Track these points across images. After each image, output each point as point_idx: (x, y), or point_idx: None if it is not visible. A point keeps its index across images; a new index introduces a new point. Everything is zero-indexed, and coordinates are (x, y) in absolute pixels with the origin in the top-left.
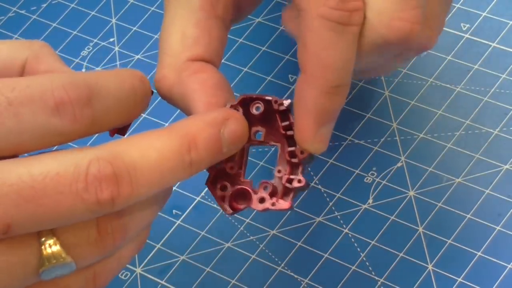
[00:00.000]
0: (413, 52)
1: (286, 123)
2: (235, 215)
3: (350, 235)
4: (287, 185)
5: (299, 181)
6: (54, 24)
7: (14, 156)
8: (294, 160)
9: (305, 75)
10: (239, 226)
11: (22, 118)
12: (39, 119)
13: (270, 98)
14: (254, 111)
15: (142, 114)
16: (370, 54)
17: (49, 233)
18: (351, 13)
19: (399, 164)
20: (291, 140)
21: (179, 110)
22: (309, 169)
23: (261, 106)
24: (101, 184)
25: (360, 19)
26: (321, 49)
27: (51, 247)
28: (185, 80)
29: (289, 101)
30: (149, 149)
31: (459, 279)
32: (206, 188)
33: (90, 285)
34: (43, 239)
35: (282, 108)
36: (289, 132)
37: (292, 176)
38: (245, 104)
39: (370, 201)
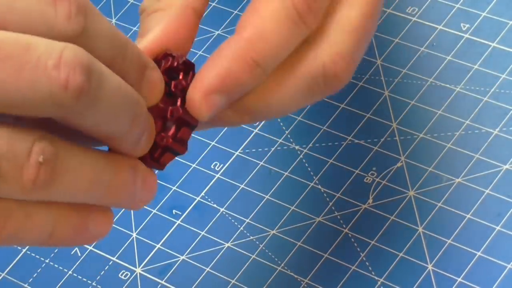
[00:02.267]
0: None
1: (178, 80)
2: (236, 215)
3: (350, 235)
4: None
5: (163, 138)
6: None
7: None
8: (171, 117)
9: (237, 34)
10: (239, 226)
11: None
12: (33, 3)
13: (175, 55)
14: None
15: None
16: (300, 88)
17: None
18: (311, 13)
19: (399, 164)
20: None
21: None
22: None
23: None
24: (75, 69)
25: (313, 25)
26: (269, 22)
27: None
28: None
29: (184, 58)
30: (115, 76)
31: (459, 279)
32: (206, 188)
33: None
34: None
35: (179, 64)
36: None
37: (163, 134)
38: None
39: (370, 201)
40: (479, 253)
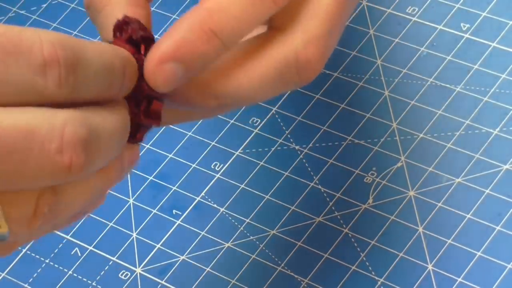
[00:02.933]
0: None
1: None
2: (236, 215)
3: (350, 235)
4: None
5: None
6: (54, 24)
7: None
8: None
9: (197, 5)
10: (239, 226)
11: (8, 68)
12: (24, 72)
13: (133, 24)
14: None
15: None
16: (267, 75)
17: None
18: None
19: (399, 164)
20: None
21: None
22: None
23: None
24: (76, 150)
25: (280, 3)
26: None
27: None
28: None
29: (142, 33)
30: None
31: (459, 279)
32: (206, 188)
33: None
34: None
35: (136, 36)
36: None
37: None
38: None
39: (370, 201)
40: (479, 253)
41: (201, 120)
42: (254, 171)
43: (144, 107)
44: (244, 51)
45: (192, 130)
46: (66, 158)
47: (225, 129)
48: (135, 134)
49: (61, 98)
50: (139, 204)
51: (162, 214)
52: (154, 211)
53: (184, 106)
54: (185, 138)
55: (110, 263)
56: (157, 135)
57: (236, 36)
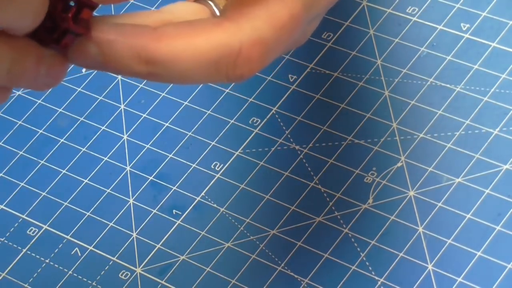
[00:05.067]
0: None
1: None
2: (236, 215)
3: (350, 235)
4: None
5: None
6: None
7: None
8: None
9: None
10: (239, 226)
11: None
12: None
13: None
14: None
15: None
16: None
17: None
18: None
19: (399, 164)
20: None
21: (179, 110)
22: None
23: None
24: None
25: None
26: None
27: None
28: None
29: None
30: None
31: (459, 279)
32: (206, 188)
33: None
34: None
35: None
36: None
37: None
38: None
39: (370, 201)
40: (479, 253)
41: (201, 120)
42: (254, 171)
43: (73, 13)
44: (190, 25)
45: (192, 130)
46: None
47: (225, 129)
48: (59, 39)
49: None
50: (139, 204)
51: (162, 214)
52: (154, 211)
53: (109, 69)
54: (185, 138)
55: (110, 263)
56: (157, 135)
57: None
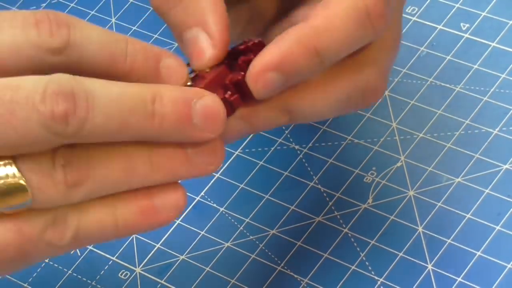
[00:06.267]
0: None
1: (246, 56)
2: (236, 215)
3: (349, 235)
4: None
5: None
6: None
7: None
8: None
9: (304, 22)
10: (239, 226)
11: (1, 30)
12: (17, 31)
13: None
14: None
15: None
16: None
17: (7, 158)
18: (382, 18)
19: (398, 164)
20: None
21: None
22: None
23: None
24: (58, 99)
25: (381, 31)
26: (338, 18)
27: (6, 167)
28: None
29: (260, 39)
30: (113, 85)
31: (459, 279)
32: (206, 188)
33: (50, 232)
34: (0, 161)
35: (252, 42)
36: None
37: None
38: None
39: (370, 200)
40: (479, 253)
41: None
42: (254, 171)
43: (225, 96)
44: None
45: None
46: (48, 106)
47: None
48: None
49: (57, 48)
50: None
51: None
52: None
53: (253, 120)
54: None
55: (109, 263)
56: None
57: (335, 57)
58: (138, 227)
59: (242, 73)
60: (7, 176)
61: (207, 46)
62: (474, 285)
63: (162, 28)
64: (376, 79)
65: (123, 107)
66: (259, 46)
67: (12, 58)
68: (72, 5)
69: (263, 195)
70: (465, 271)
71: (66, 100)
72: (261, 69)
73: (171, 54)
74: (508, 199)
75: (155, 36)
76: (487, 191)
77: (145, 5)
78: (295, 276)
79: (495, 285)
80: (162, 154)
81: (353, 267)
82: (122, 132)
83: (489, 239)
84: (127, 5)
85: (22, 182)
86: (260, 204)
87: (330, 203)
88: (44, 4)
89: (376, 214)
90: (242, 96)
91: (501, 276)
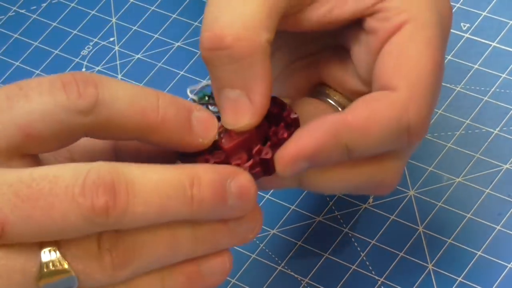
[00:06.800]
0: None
1: (277, 130)
2: None
3: (350, 235)
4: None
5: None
6: (54, 24)
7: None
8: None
9: (343, 115)
10: None
11: (30, 99)
12: (45, 99)
13: (288, 107)
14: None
15: None
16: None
17: (51, 243)
18: (418, 135)
19: None
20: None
21: None
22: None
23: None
24: (98, 191)
25: (416, 146)
26: (377, 125)
27: (50, 253)
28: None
29: (296, 115)
30: (151, 171)
31: (459, 279)
32: None
33: None
34: (44, 248)
35: (289, 117)
36: (273, 138)
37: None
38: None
39: (370, 200)
40: (479, 253)
41: None
42: None
43: (251, 164)
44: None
45: None
46: (88, 200)
47: None
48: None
49: (88, 108)
50: None
51: None
52: None
53: (265, 184)
54: None
55: None
56: None
57: (362, 155)
58: None
59: (271, 153)
60: (51, 262)
61: (246, 112)
62: (475, 285)
63: (163, 28)
64: (393, 177)
65: (162, 194)
66: (295, 123)
67: (45, 125)
68: (72, 5)
69: (263, 194)
70: (465, 271)
71: (106, 193)
72: (293, 157)
73: (201, 108)
74: (509, 199)
75: (156, 36)
76: (487, 191)
77: (145, 5)
78: (296, 275)
79: (495, 285)
80: (205, 229)
81: (353, 267)
82: (162, 217)
83: (489, 239)
84: (127, 5)
85: (67, 267)
86: (261, 204)
87: (331, 203)
88: (45, 4)
89: (376, 213)
90: (264, 170)
91: (502, 276)
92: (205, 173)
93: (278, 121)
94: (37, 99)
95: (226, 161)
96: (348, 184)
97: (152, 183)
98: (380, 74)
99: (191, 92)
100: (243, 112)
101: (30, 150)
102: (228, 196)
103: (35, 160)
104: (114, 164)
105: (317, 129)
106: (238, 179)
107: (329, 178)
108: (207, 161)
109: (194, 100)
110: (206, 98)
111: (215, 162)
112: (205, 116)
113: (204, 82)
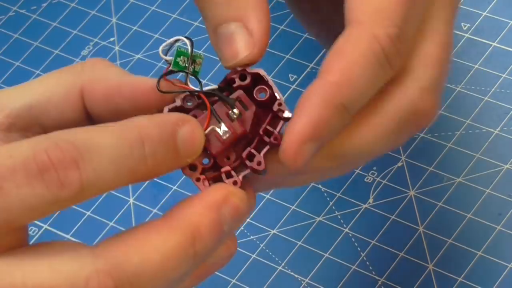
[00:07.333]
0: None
1: (271, 129)
2: None
3: (350, 235)
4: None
5: (235, 182)
6: (55, 24)
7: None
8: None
9: (322, 79)
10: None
11: (7, 193)
12: (24, 191)
13: (278, 97)
14: (256, 93)
15: None
16: (391, 127)
17: None
18: (398, 55)
19: (399, 164)
20: (261, 144)
21: None
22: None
23: (266, 95)
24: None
25: (398, 67)
26: (357, 66)
27: None
28: None
29: (290, 115)
30: (151, 253)
31: (460, 279)
32: None
33: None
34: None
35: (280, 114)
36: (265, 138)
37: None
38: (255, 80)
39: (371, 200)
40: (479, 253)
41: None
42: None
43: (248, 154)
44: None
45: None
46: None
47: None
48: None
49: (74, 197)
50: (139, 203)
51: (162, 214)
52: (154, 210)
53: (295, 172)
54: None
55: None
56: None
57: (361, 104)
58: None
59: (263, 165)
60: None
61: (246, 45)
62: (475, 285)
63: (163, 28)
64: (421, 98)
65: (168, 271)
66: (255, 79)
67: (28, 218)
68: (72, 5)
69: (263, 194)
70: (465, 271)
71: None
72: (298, 145)
73: (184, 120)
74: (509, 199)
75: (156, 36)
76: (487, 191)
77: (145, 5)
78: (296, 275)
79: (495, 285)
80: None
81: (353, 267)
82: (167, 285)
83: (489, 239)
84: (127, 5)
85: None
86: (261, 204)
87: (331, 203)
88: (45, 4)
89: (376, 214)
90: (254, 169)
91: (502, 276)
92: (202, 220)
93: (265, 110)
94: (14, 193)
95: (215, 165)
96: (382, 132)
97: (155, 267)
98: (347, 11)
99: (163, 52)
100: (242, 43)
101: (13, 239)
102: (224, 225)
103: None
104: (111, 260)
105: (306, 106)
106: (230, 203)
107: (359, 138)
108: (195, 167)
109: (167, 62)
110: (180, 62)
111: (203, 169)
112: (188, 132)
113: (173, 38)
